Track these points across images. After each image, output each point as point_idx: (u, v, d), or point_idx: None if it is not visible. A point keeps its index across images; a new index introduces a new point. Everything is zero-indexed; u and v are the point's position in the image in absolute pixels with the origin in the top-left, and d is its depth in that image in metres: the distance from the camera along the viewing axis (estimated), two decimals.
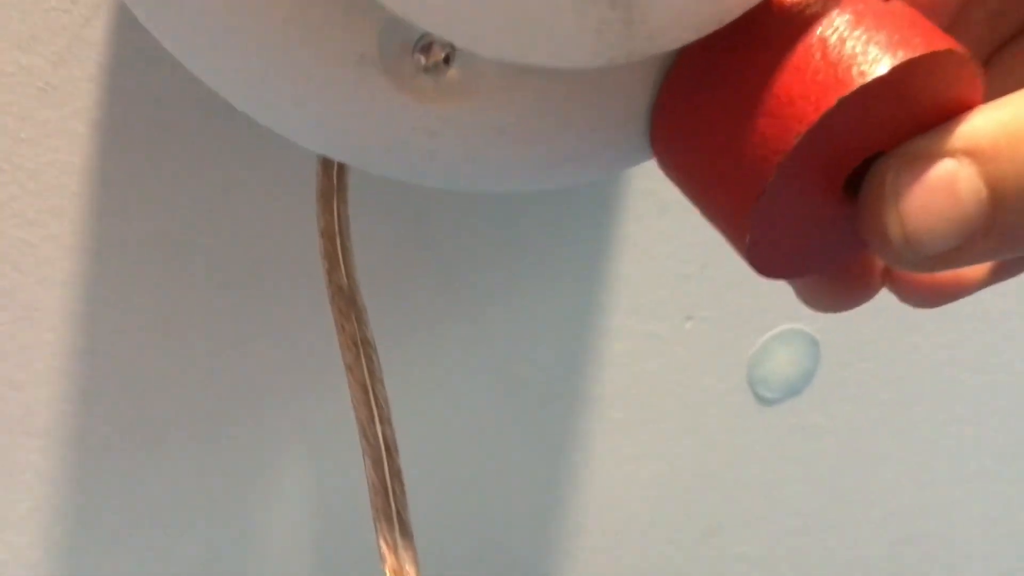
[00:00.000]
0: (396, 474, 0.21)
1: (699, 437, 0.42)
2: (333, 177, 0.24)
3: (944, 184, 0.18)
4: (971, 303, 0.33)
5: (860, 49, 0.18)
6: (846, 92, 0.18)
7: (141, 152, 0.30)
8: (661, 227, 0.38)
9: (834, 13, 0.19)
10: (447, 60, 0.20)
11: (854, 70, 0.18)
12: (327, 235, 0.24)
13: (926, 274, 0.23)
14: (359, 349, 0.22)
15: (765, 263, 0.20)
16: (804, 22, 0.19)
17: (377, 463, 0.21)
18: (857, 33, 0.18)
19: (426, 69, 0.20)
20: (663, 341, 0.40)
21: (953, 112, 0.19)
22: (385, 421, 0.22)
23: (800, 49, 0.18)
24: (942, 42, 0.18)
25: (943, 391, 0.45)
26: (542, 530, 0.41)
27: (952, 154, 0.18)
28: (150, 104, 0.30)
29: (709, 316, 0.40)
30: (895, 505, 0.47)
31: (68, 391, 0.33)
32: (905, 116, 0.19)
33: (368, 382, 0.22)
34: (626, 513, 0.42)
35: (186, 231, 0.32)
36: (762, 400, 0.42)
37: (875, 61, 0.18)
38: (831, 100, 0.18)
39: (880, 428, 0.45)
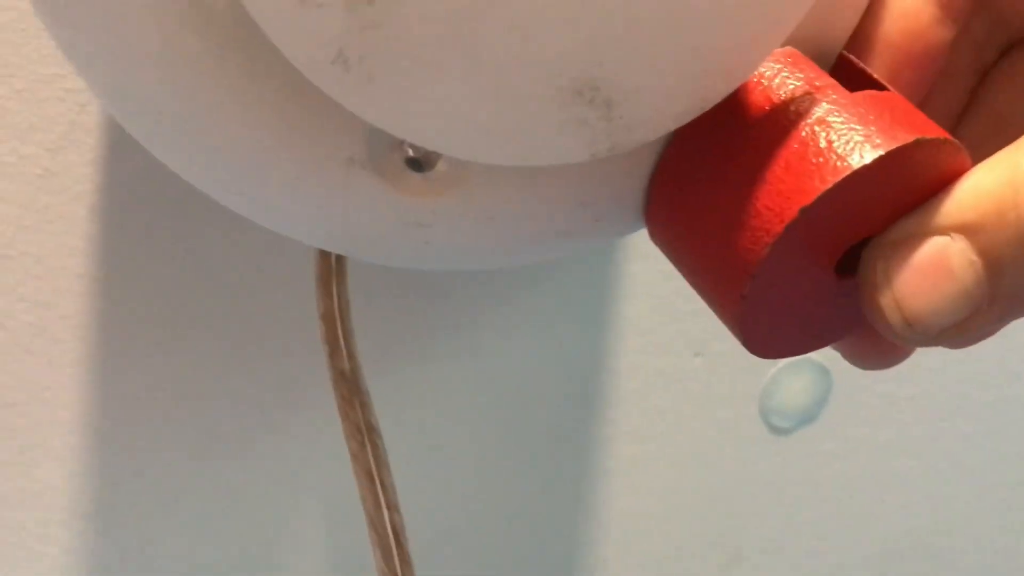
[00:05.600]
0: (406, 561, 0.22)
1: (715, 470, 0.42)
2: (331, 261, 0.24)
3: (936, 263, 0.18)
4: None
5: (822, 155, 0.18)
6: (808, 201, 0.18)
7: (141, 233, 0.31)
8: (666, 265, 0.38)
9: (804, 117, 0.19)
10: (434, 155, 0.20)
11: (816, 178, 0.18)
12: (327, 319, 0.24)
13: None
14: (364, 436, 0.23)
15: (763, 348, 0.20)
16: (778, 125, 0.19)
17: (386, 552, 0.21)
18: (821, 138, 0.18)
19: (414, 165, 0.20)
20: (673, 377, 0.40)
21: (938, 186, 0.19)
22: (392, 508, 0.22)
23: (768, 158, 0.19)
24: (909, 133, 0.18)
25: (958, 410, 0.45)
26: (563, 571, 0.42)
27: (940, 231, 0.18)
28: (148, 185, 0.30)
29: (719, 350, 0.40)
30: (916, 526, 0.47)
31: (83, 466, 0.33)
32: (888, 200, 0.19)
33: (374, 469, 0.22)
34: (645, 549, 0.42)
35: (187, 309, 0.32)
36: (776, 430, 0.42)
37: (834, 168, 0.18)
38: (794, 210, 0.18)
39: (896, 450, 0.45)
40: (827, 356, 0.42)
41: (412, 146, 0.20)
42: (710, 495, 0.43)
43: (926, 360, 0.44)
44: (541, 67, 0.17)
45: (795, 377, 0.41)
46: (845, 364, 0.42)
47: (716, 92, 0.18)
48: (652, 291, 0.38)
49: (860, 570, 0.47)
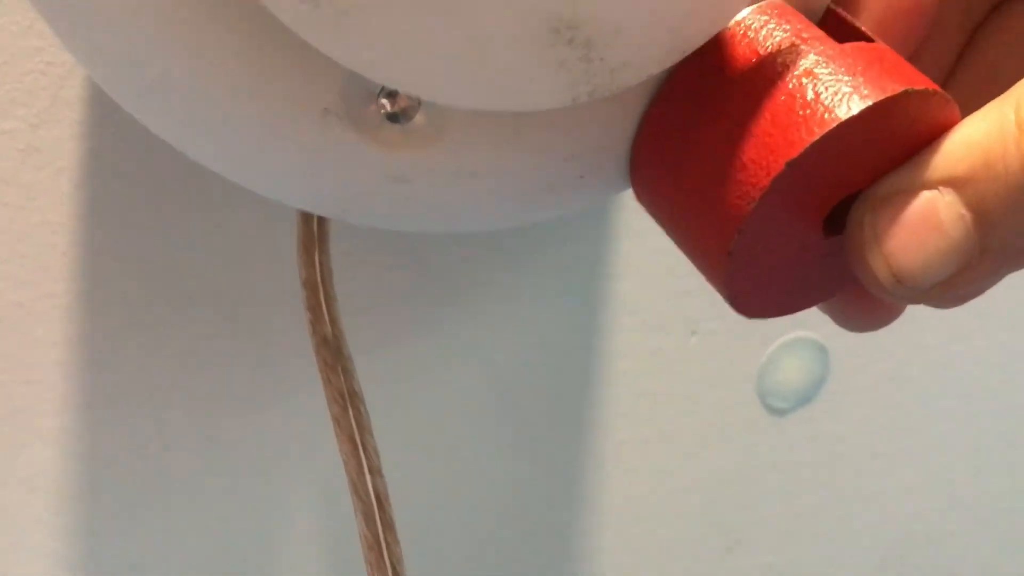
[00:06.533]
0: (389, 526, 0.21)
1: (712, 452, 0.42)
2: (313, 227, 0.24)
3: (925, 217, 0.18)
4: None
5: (809, 107, 0.18)
6: (795, 153, 0.17)
7: (125, 207, 0.30)
8: (659, 242, 0.38)
9: (791, 68, 0.18)
10: (413, 106, 0.20)
11: (803, 130, 0.18)
12: (309, 286, 0.24)
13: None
14: (346, 402, 0.22)
15: (750, 307, 0.20)
16: (765, 77, 0.19)
17: (369, 517, 0.21)
18: (808, 90, 0.18)
19: (392, 117, 0.20)
20: (669, 357, 0.40)
21: (927, 139, 0.18)
22: (375, 472, 0.22)
23: (754, 110, 0.18)
24: (898, 84, 0.18)
25: (957, 388, 0.45)
26: (557, 558, 0.41)
27: (929, 185, 0.18)
28: (132, 159, 0.30)
29: (714, 329, 0.40)
30: (916, 506, 0.47)
31: (70, 448, 0.33)
32: (876, 154, 0.18)
33: (356, 434, 0.22)
34: (643, 534, 0.42)
35: (174, 284, 0.31)
36: (773, 411, 0.42)
37: (821, 120, 0.18)
38: (780, 163, 0.18)
39: (895, 430, 0.44)
40: (824, 335, 0.41)
41: (389, 98, 0.20)
42: (708, 477, 0.42)
43: (923, 338, 0.43)
44: (516, 4, 0.16)
45: (792, 356, 0.41)
46: (843, 343, 0.42)
47: (698, 34, 0.18)
48: (645, 269, 0.38)
49: (861, 551, 0.46)
